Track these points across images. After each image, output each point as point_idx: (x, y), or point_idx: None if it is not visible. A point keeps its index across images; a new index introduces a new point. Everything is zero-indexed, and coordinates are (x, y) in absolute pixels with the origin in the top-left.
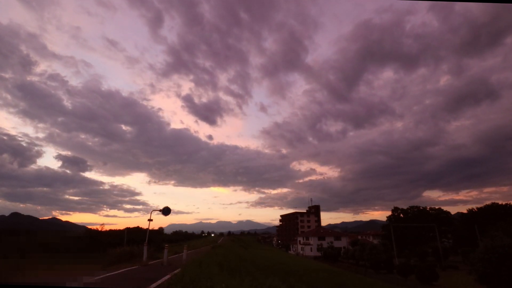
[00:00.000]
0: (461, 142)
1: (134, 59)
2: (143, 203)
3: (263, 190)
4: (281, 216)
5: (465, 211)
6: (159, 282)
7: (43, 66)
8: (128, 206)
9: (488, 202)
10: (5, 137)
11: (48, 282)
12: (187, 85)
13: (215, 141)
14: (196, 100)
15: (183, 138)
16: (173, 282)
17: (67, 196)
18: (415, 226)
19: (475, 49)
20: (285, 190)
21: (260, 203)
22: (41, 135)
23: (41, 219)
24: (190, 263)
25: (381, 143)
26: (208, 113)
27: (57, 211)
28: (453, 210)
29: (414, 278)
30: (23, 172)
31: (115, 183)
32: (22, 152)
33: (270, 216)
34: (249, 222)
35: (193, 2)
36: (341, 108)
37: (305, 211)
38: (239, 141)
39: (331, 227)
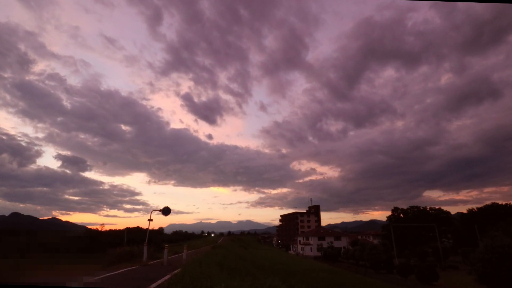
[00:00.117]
0: (462, 142)
1: (132, 57)
2: (143, 203)
3: (263, 190)
4: (281, 216)
5: (465, 211)
6: (159, 282)
7: (42, 66)
8: (128, 206)
9: (488, 202)
10: (4, 137)
11: (48, 282)
12: (186, 84)
13: (215, 141)
14: (195, 99)
15: (182, 138)
16: (173, 282)
17: (67, 196)
18: (415, 226)
19: (477, 47)
20: (285, 190)
21: (260, 203)
22: (40, 135)
23: (41, 219)
24: (190, 263)
25: (382, 142)
26: (208, 112)
27: (57, 211)
28: (453, 210)
29: (414, 278)
30: (22, 172)
31: (115, 183)
32: (22, 152)
33: (270, 216)
34: (249, 222)
35: None
36: (342, 107)
37: (305, 211)
38: (239, 140)
39: (331, 227)
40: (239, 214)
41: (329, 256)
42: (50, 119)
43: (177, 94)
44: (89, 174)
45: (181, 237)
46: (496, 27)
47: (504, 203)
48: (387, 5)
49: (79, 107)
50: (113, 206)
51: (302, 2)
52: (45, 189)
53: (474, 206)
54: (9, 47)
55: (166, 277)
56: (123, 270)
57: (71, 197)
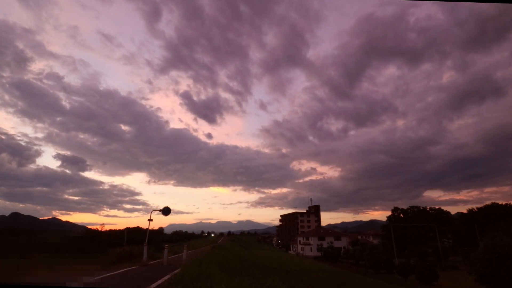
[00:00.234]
0: (464, 141)
1: (131, 55)
2: (143, 203)
3: (263, 190)
4: (281, 216)
5: (465, 211)
6: (159, 282)
7: (41, 65)
8: (128, 206)
9: (489, 202)
10: (3, 136)
11: (48, 282)
12: (185, 82)
13: (214, 141)
14: (195, 97)
15: (182, 137)
16: (173, 282)
17: (66, 196)
18: (415, 226)
19: (481, 44)
20: (285, 190)
21: (260, 203)
22: (40, 135)
23: (41, 219)
24: (190, 263)
25: (382, 142)
26: (207, 111)
27: (57, 211)
28: (453, 210)
29: (414, 278)
30: (22, 172)
31: (114, 183)
32: (21, 152)
33: (270, 216)
34: (249, 222)
35: None
36: (343, 105)
37: (305, 211)
38: (239, 140)
39: (331, 227)
40: (239, 214)
41: (329, 256)
42: (49, 119)
43: (176, 92)
44: (89, 174)
45: (181, 237)
46: (501, 24)
47: (504, 203)
48: (389, 0)
49: (78, 106)
50: (113, 206)
51: None
52: (44, 189)
53: (475, 206)
54: (6, 45)
55: (166, 277)
56: (123, 270)
57: (71, 197)
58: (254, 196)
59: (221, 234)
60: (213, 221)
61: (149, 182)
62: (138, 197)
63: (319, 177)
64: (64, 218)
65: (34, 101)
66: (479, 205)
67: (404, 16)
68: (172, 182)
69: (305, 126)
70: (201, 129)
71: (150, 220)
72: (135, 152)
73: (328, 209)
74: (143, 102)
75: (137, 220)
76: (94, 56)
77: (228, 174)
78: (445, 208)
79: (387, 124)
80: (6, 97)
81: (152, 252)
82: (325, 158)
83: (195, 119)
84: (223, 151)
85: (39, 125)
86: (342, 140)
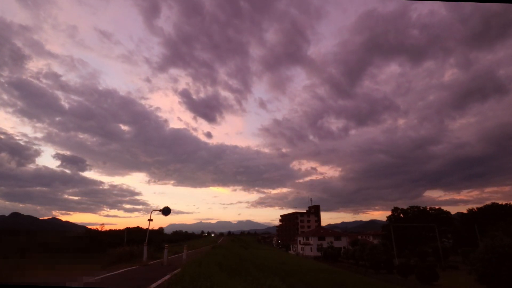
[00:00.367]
0: (465, 140)
1: (129, 53)
2: (143, 203)
3: (263, 190)
4: (281, 216)
5: (465, 211)
6: (159, 282)
7: (39, 65)
8: (128, 206)
9: (489, 202)
10: (2, 136)
11: (48, 282)
12: (184, 80)
13: (214, 141)
14: (194, 96)
15: (182, 137)
16: (173, 282)
17: (66, 196)
18: (415, 226)
19: (485, 41)
20: (285, 190)
21: (260, 203)
22: (39, 134)
23: (41, 219)
24: (190, 263)
25: (383, 141)
26: (207, 109)
27: (57, 211)
28: (454, 210)
29: (414, 278)
30: (21, 172)
31: (114, 183)
32: (21, 151)
33: (270, 216)
34: (249, 222)
35: None
36: (343, 104)
37: (305, 211)
38: (239, 139)
39: (331, 227)
40: (239, 214)
41: (329, 256)
42: (48, 118)
43: (175, 91)
44: (89, 174)
45: (181, 237)
46: (506, 20)
47: (504, 203)
48: None
49: (78, 106)
50: (113, 206)
51: None
52: (44, 189)
53: (475, 206)
54: (3, 42)
55: (166, 277)
56: (123, 270)
57: (70, 197)
58: (254, 196)
59: (221, 234)
60: (213, 221)
61: (149, 182)
62: (138, 197)
63: (319, 177)
64: (64, 218)
65: (33, 100)
66: (479, 205)
67: (406, 12)
68: (172, 182)
69: (305, 125)
70: (200, 128)
71: (150, 220)
72: (135, 152)
73: (328, 209)
74: (142, 101)
75: (137, 220)
76: (93, 55)
77: (228, 174)
78: (445, 208)
79: (388, 123)
80: (5, 96)
81: (152, 252)
82: (325, 157)
83: (194, 118)
84: (223, 150)
85: (38, 125)
86: (342, 140)
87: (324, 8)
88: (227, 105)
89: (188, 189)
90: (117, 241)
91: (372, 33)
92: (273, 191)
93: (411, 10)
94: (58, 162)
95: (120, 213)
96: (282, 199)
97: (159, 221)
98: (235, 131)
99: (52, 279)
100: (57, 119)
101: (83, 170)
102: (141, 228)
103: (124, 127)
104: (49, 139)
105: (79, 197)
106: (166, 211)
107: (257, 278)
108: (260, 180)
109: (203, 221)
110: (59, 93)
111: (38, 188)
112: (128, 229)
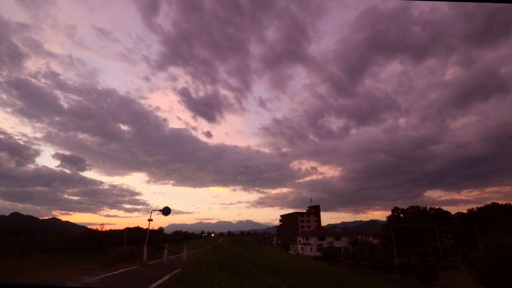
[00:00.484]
0: (467, 140)
1: (128, 50)
2: (143, 203)
3: (263, 190)
4: (281, 216)
5: (465, 211)
6: (159, 282)
7: (39, 65)
8: (128, 206)
9: (489, 202)
10: (2, 136)
11: (48, 282)
12: (183, 78)
13: (214, 140)
14: (193, 94)
15: (182, 137)
16: (173, 282)
17: (66, 196)
18: (415, 226)
19: (487, 38)
20: (285, 190)
21: (260, 203)
22: (39, 134)
23: (41, 219)
24: (190, 263)
25: (383, 141)
26: (207, 108)
27: (57, 211)
28: (454, 210)
29: (414, 278)
30: (21, 171)
31: (114, 183)
32: (20, 151)
33: (270, 216)
34: (249, 222)
35: None
36: (344, 103)
37: (305, 211)
38: (239, 139)
39: (331, 227)
40: (239, 214)
41: (329, 256)
42: (48, 118)
43: (174, 89)
44: (89, 174)
45: (181, 237)
46: (509, 17)
47: (504, 203)
48: None
49: (77, 106)
50: (113, 206)
51: None
52: (44, 188)
53: (475, 206)
54: (1, 41)
55: (166, 277)
56: (123, 270)
57: (70, 197)
58: (254, 196)
59: (221, 234)
60: (213, 221)
61: (148, 182)
62: (138, 197)
63: (319, 177)
64: (64, 218)
65: (33, 100)
66: (479, 205)
67: (408, 9)
68: (171, 182)
69: (305, 124)
70: (200, 127)
71: (150, 220)
72: (135, 152)
73: (328, 209)
74: (142, 101)
75: (137, 220)
76: (92, 54)
77: (228, 173)
78: (445, 208)
79: (388, 122)
80: (4, 96)
81: (152, 252)
82: (325, 157)
83: (194, 117)
84: (223, 150)
85: (38, 124)
86: (343, 139)
87: (325, 4)
88: (227, 104)
89: (188, 189)
90: (117, 241)
91: (373, 31)
92: (273, 191)
93: (413, 7)
94: (58, 162)
95: (120, 213)
96: (282, 199)
97: (159, 221)
98: (235, 131)
99: (52, 279)
100: (57, 118)
101: (83, 170)
102: (141, 228)
103: (123, 127)
104: (48, 139)
105: (79, 197)
106: (166, 211)
107: (257, 278)
108: (260, 180)
109: (203, 221)
110: (58, 93)
111: (38, 188)
112: (128, 229)
